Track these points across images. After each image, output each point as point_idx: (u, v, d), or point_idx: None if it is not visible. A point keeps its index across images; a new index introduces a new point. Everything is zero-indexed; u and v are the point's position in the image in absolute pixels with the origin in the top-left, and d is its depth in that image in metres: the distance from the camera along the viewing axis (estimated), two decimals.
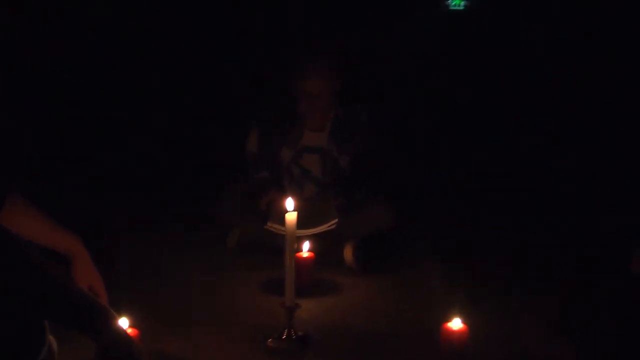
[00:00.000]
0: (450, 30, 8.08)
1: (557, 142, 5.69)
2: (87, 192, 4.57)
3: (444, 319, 2.52)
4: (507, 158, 5.52)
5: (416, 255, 3.66)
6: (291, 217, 2.59)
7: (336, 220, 3.50)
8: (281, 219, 2.78)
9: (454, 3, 8.78)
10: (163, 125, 5.91)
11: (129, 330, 2.37)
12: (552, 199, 4.63)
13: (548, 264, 3.61)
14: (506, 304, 3.08)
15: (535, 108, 6.47)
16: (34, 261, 1.87)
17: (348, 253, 3.53)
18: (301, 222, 3.24)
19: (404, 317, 2.99)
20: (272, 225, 3.47)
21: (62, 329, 2.01)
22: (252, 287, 3.29)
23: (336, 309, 3.07)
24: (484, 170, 5.30)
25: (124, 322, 2.35)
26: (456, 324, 2.47)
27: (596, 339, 2.71)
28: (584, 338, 2.73)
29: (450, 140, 5.93)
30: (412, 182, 4.76)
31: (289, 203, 2.69)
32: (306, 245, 3.34)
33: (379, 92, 6.15)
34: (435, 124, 6.24)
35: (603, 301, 3.02)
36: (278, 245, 3.20)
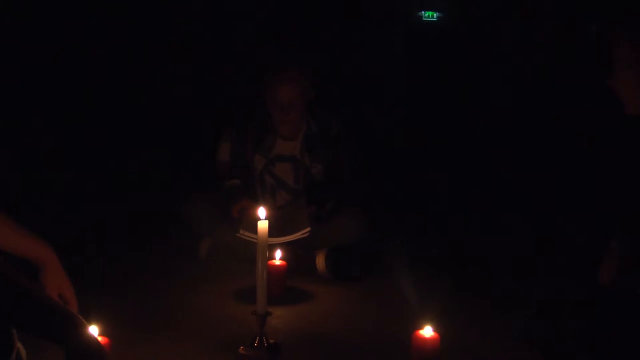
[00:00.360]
0: (423, 42, 8.14)
1: (531, 149, 5.74)
2: (60, 200, 4.54)
3: (415, 327, 2.53)
4: (481, 166, 5.56)
5: (388, 264, 3.67)
6: (263, 225, 2.59)
7: (309, 229, 3.50)
8: (253, 227, 2.77)
9: (427, 15, 8.83)
10: (135, 132, 5.88)
11: (99, 339, 2.34)
12: (525, 208, 4.67)
13: (520, 273, 3.63)
14: (478, 313, 3.10)
15: (504, 116, 6.54)
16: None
17: (320, 261, 3.53)
18: (273, 231, 3.25)
19: (375, 325, 2.99)
20: (244, 234, 3.46)
21: (30, 337, 1.99)
22: (224, 294, 3.28)
23: (308, 317, 3.07)
24: (457, 179, 5.34)
25: (94, 330, 2.33)
26: (427, 332, 2.48)
27: (565, 350, 2.73)
28: (555, 349, 2.74)
29: (425, 150, 5.97)
30: (384, 192, 4.78)
31: (261, 211, 2.68)
32: (278, 254, 3.34)
33: (353, 103, 6.17)
34: (410, 134, 6.28)
35: (572, 312, 3.04)
36: (250, 254, 3.19)
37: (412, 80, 7.49)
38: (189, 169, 4.94)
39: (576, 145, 5.45)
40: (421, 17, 8.76)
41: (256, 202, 3.43)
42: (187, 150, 5.48)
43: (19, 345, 1.99)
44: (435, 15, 8.80)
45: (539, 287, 3.42)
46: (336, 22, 7.00)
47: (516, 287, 3.44)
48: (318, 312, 3.14)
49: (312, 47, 4.55)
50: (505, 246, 4.04)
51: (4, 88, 5.16)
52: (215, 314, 3.08)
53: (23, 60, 5.60)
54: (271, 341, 2.65)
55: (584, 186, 4.78)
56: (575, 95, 6.20)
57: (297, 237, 3.48)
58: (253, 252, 2.70)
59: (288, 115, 3.61)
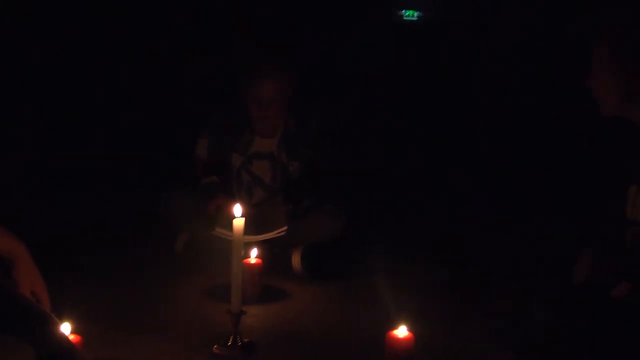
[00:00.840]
0: (403, 41, 8.16)
1: (507, 151, 5.77)
2: (33, 196, 4.50)
3: (390, 327, 2.53)
4: (459, 166, 5.58)
5: (364, 263, 3.67)
6: (239, 223, 2.58)
7: (285, 227, 3.49)
8: (229, 225, 2.76)
9: (407, 14, 8.85)
10: (112, 127, 5.85)
11: (71, 337, 2.33)
12: (502, 208, 4.69)
13: (497, 273, 3.64)
14: (454, 313, 3.10)
15: (484, 115, 6.57)
16: None
17: (296, 260, 3.53)
18: (250, 229, 3.24)
19: (350, 324, 3.00)
20: (220, 231, 3.44)
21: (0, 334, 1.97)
22: (199, 292, 3.27)
23: (283, 316, 3.07)
24: (435, 178, 5.35)
25: (66, 329, 2.31)
26: (402, 331, 2.48)
27: (542, 350, 2.74)
28: (528, 349, 2.75)
29: (403, 149, 5.98)
30: (361, 190, 4.78)
31: (237, 209, 2.67)
32: (254, 252, 3.33)
33: (333, 100, 6.17)
34: (389, 133, 6.29)
35: (548, 312, 3.05)
36: (226, 251, 3.18)
37: (396, 79, 7.51)
38: (166, 165, 4.91)
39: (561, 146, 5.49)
40: (402, 16, 8.79)
41: (233, 200, 3.41)
42: (164, 146, 5.45)
43: None
44: (415, 14, 8.83)
45: (516, 287, 3.44)
46: (316, 21, 7.00)
47: (493, 287, 3.45)
48: (293, 311, 3.14)
49: (291, 45, 4.54)
50: (483, 246, 4.04)
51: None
52: (189, 312, 3.06)
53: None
54: (245, 340, 2.65)
55: (576, 186, 4.83)
56: (551, 94, 6.25)
57: (273, 236, 3.47)
58: (229, 249, 2.69)
59: (267, 112, 3.60)
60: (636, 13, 2.09)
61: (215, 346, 2.64)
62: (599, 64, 2.11)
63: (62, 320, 2.21)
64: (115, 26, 6.32)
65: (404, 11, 8.79)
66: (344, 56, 7.32)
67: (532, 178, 5.19)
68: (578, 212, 4.17)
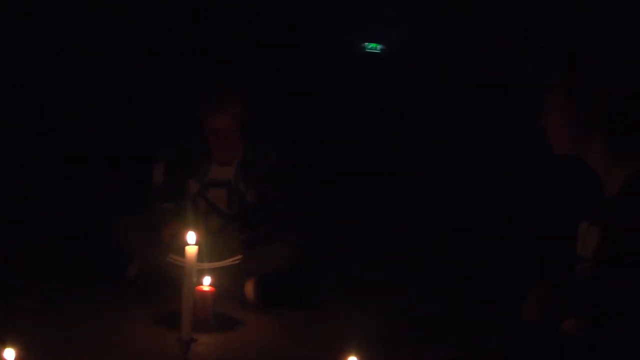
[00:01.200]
0: (366, 73, 8.23)
1: (465, 186, 5.82)
2: None
3: (340, 358, 2.51)
4: (414, 193, 5.63)
5: (317, 293, 3.66)
6: (191, 250, 2.56)
7: (240, 256, 3.47)
8: (183, 252, 2.74)
9: (370, 46, 8.92)
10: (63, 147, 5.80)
11: None
12: (456, 237, 4.72)
13: (453, 304, 3.65)
14: (402, 344, 3.10)
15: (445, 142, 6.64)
16: None
17: (250, 289, 3.50)
18: (205, 256, 3.21)
19: (301, 354, 2.98)
20: (173, 258, 3.41)
21: None
22: (150, 319, 3.23)
23: (234, 345, 3.04)
24: (392, 207, 5.38)
25: (10, 354, 2.26)
26: None
27: None
28: None
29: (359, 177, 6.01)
30: (318, 221, 4.77)
31: (191, 236, 2.66)
32: (207, 279, 3.30)
33: (292, 130, 6.19)
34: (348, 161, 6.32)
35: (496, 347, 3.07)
36: (179, 278, 3.15)
37: (357, 110, 7.57)
38: (121, 190, 4.86)
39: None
40: (364, 48, 8.86)
41: (188, 227, 3.38)
42: (118, 170, 5.40)
43: None
44: (378, 47, 8.91)
45: (471, 319, 3.45)
46: (276, 52, 7.04)
47: (448, 317, 3.46)
48: (244, 340, 3.11)
49: (249, 76, 4.55)
50: (434, 278, 4.06)
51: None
52: (139, 339, 3.02)
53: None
54: None
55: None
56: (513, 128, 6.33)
57: (228, 264, 3.45)
58: (182, 276, 2.66)
59: (225, 142, 3.60)
60: (589, 54, 2.13)
61: None
62: (551, 104, 2.15)
63: (5, 345, 2.16)
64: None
65: (366, 44, 8.87)
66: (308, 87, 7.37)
67: (487, 212, 5.24)
68: (531, 247, 4.22)
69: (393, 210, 5.41)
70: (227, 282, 3.47)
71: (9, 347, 2.27)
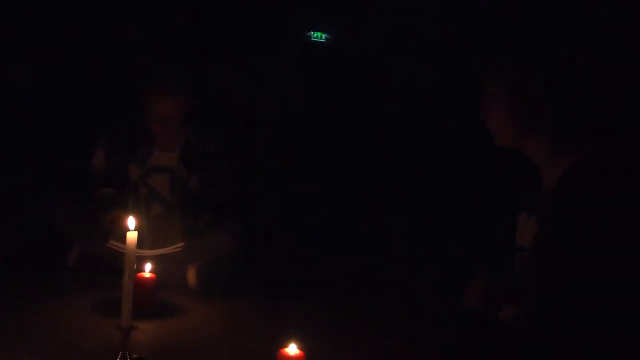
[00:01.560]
0: (310, 62, 8.22)
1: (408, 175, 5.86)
2: None
3: (281, 345, 2.52)
4: (356, 184, 5.64)
5: (258, 281, 3.66)
6: (132, 236, 2.52)
7: (182, 244, 3.45)
8: (124, 238, 2.70)
9: (315, 35, 8.91)
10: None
11: None
12: (396, 227, 4.76)
13: (392, 293, 3.68)
14: (345, 332, 3.13)
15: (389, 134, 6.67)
16: None
17: (191, 276, 3.49)
18: (146, 243, 3.19)
19: (242, 342, 2.97)
20: (114, 244, 3.37)
21: None
22: (89, 306, 3.19)
23: (174, 332, 3.02)
24: (336, 197, 5.39)
25: None
26: (292, 349, 2.48)
27: None
28: None
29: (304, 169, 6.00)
30: (258, 208, 4.77)
31: (131, 222, 2.63)
32: (148, 266, 3.28)
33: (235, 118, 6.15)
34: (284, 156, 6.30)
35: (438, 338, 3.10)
36: (120, 265, 3.11)
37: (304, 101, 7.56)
38: (60, 174, 4.78)
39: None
40: (309, 37, 8.84)
41: (128, 213, 3.35)
42: (57, 154, 5.31)
43: None
44: (324, 36, 8.90)
45: (411, 309, 3.49)
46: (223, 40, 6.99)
47: (388, 306, 3.49)
48: (185, 327, 3.09)
49: (193, 62, 4.50)
50: (380, 267, 4.09)
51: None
52: (78, 327, 2.99)
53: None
54: (135, 356, 2.59)
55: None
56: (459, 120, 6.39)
57: (169, 251, 3.42)
58: (123, 263, 2.63)
59: (167, 128, 3.57)
60: (531, 48, 2.17)
61: None
62: (492, 96, 2.18)
63: None
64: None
65: (312, 33, 8.85)
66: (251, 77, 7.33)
67: (424, 200, 5.29)
68: (469, 237, 4.28)
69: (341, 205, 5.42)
70: (168, 269, 3.45)
71: None
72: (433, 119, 6.78)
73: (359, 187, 5.74)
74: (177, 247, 3.43)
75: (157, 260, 3.35)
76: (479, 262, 2.44)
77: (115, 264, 3.34)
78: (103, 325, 2.96)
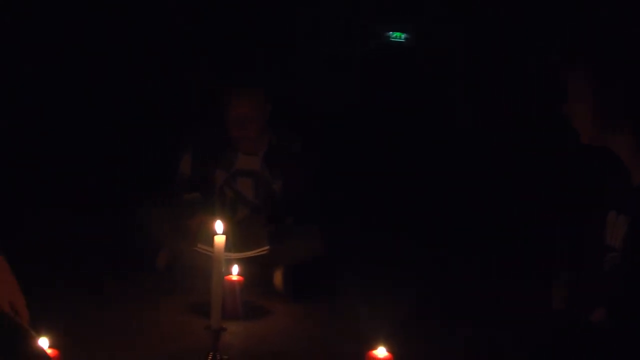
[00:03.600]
0: (390, 62, 8.22)
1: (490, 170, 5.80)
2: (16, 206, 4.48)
3: (369, 347, 2.53)
4: (445, 186, 5.61)
5: (345, 282, 3.67)
6: (220, 239, 2.58)
7: (268, 247, 3.49)
8: (211, 241, 2.76)
9: (394, 35, 8.90)
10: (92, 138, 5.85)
11: (49, 351, 2.32)
12: (476, 228, 4.71)
13: (479, 295, 3.65)
14: (434, 334, 3.11)
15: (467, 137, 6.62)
16: None
17: (278, 278, 3.52)
18: (233, 246, 3.23)
19: (330, 344, 2.99)
20: (201, 247, 3.44)
21: None
22: (179, 308, 3.26)
23: (263, 334, 3.06)
24: (413, 199, 5.38)
25: (43, 342, 2.30)
26: (381, 352, 2.48)
27: None
28: None
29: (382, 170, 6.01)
30: (344, 211, 4.78)
31: (219, 225, 2.67)
32: (236, 269, 3.33)
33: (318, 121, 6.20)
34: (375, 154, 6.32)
35: (527, 336, 3.06)
36: (207, 268, 3.17)
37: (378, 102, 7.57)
38: (149, 180, 4.89)
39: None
40: (389, 37, 8.84)
41: (215, 216, 3.40)
42: (147, 160, 5.44)
43: None
44: (402, 36, 8.88)
45: (497, 310, 3.44)
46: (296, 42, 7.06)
47: (474, 308, 3.45)
48: (273, 329, 3.13)
49: (271, 66, 4.56)
50: (461, 267, 4.05)
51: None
52: (168, 328, 3.05)
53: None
54: (225, 357, 2.64)
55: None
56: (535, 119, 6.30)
57: (256, 254, 3.47)
58: (210, 266, 2.68)
59: (246, 131, 3.62)
60: (610, 40, 2.12)
61: None
62: (577, 94, 2.14)
63: (39, 334, 2.20)
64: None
65: (390, 33, 8.85)
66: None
67: (510, 201, 5.22)
68: (555, 236, 4.19)
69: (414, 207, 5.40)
70: (255, 272, 3.50)
71: (42, 336, 2.30)
72: (508, 118, 6.70)
73: (436, 185, 5.72)
74: (263, 250, 3.48)
75: (243, 263, 3.40)
76: (563, 261, 2.40)
77: (203, 267, 3.42)
78: (193, 327, 3.02)
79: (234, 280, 3.28)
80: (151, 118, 6.11)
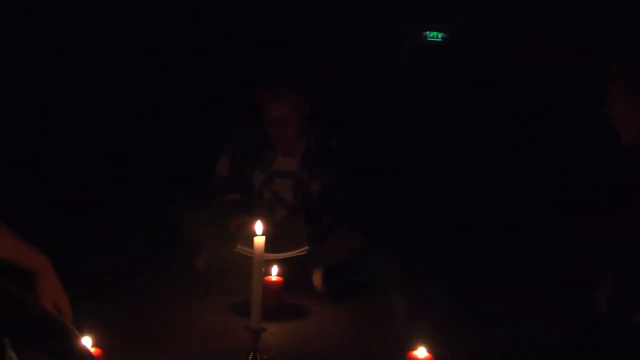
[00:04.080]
0: (427, 62, 8.20)
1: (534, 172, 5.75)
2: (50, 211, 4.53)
3: (409, 348, 2.52)
4: (485, 187, 5.57)
5: (384, 283, 3.66)
6: (259, 240, 2.59)
7: (306, 248, 3.50)
8: (250, 242, 2.77)
9: (431, 35, 8.87)
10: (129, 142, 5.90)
11: (92, 350, 2.35)
12: (519, 228, 4.66)
13: (516, 294, 3.62)
14: (473, 334, 3.09)
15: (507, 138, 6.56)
16: None
17: (317, 279, 3.53)
18: (271, 246, 3.24)
19: (369, 344, 2.99)
20: (241, 248, 3.46)
21: (22, 348, 1.98)
22: (219, 309, 3.28)
23: (302, 334, 3.07)
24: (452, 198, 5.35)
25: (87, 342, 2.33)
26: (421, 352, 2.48)
27: None
28: None
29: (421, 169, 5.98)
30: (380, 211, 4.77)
31: (258, 226, 2.69)
32: (275, 269, 3.34)
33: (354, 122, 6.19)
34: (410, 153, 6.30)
35: (569, 339, 3.03)
36: (247, 268, 3.19)
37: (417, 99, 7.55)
38: (188, 181, 4.92)
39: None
40: (425, 37, 8.81)
41: (254, 217, 3.42)
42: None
43: (12, 354, 1.98)
44: (440, 35, 8.85)
45: (538, 310, 3.41)
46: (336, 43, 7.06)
47: (513, 309, 3.43)
48: (312, 330, 3.13)
49: (307, 67, 4.57)
50: (501, 266, 4.02)
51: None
52: (209, 328, 3.07)
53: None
54: (264, 358, 2.65)
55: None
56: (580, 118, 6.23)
57: (294, 255, 3.48)
58: (250, 267, 2.70)
59: (282, 131, 3.63)
60: None
61: None
62: (618, 94, 2.12)
63: (83, 333, 2.23)
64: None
65: (427, 32, 8.81)
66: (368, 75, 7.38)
67: (550, 200, 5.16)
68: (598, 237, 4.14)
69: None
70: (294, 272, 3.51)
71: (85, 335, 2.33)
72: (548, 118, 6.63)
73: (479, 186, 5.68)
74: (302, 251, 3.48)
75: (283, 264, 3.41)
76: (606, 263, 2.37)
77: (242, 267, 3.43)
78: (232, 327, 3.03)
79: (274, 281, 3.29)
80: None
